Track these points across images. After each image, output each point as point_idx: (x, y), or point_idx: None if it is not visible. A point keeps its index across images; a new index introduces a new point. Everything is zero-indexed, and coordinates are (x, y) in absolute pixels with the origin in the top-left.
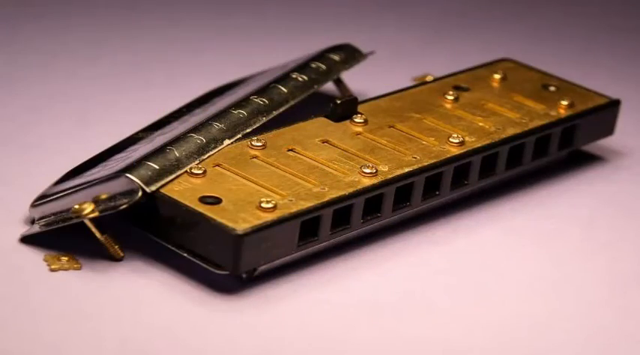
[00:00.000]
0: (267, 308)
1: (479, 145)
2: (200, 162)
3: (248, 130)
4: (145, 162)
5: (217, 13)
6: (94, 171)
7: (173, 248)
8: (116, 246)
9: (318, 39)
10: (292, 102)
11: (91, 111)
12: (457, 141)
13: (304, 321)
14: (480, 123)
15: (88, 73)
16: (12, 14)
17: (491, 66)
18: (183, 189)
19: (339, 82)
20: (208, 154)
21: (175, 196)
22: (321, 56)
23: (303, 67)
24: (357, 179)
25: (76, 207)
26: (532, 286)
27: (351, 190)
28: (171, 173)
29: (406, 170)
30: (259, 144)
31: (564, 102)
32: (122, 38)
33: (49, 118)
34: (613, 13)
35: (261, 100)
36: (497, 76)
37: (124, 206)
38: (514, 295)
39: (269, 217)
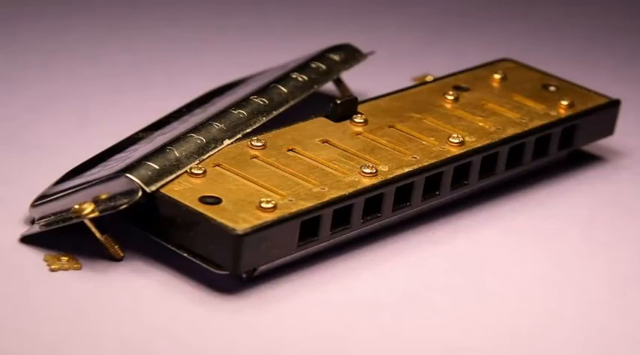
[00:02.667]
0: (267, 308)
1: (479, 145)
2: (200, 162)
3: (248, 130)
4: (145, 162)
5: (217, 13)
6: (94, 171)
7: (173, 248)
8: (116, 246)
9: (318, 39)
10: (292, 102)
11: (91, 111)
12: (457, 141)
13: (304, 321)
14: (480, 123)
15: (88, 73)
16: (12, 14)
17: (491, 66)
18: (183, 189)
19: (339, 82)
20: (208, 154)
21: (175, 196)
22: (321, 56)
23: (303, 67)
24: (357, 179)
25: (76, 207)
26: (532, 286)
27: (351, 190)
28: (171, 173)
29: (406, 170)
30: (259, 144)
31: (564, 102)
32: (122, 38)
33: (49, 118)
34: (613, 13)
35: (261, 100)
36: (497, 76)
37: (124, 206)
38: (514, 295)
39: (269, 217)
